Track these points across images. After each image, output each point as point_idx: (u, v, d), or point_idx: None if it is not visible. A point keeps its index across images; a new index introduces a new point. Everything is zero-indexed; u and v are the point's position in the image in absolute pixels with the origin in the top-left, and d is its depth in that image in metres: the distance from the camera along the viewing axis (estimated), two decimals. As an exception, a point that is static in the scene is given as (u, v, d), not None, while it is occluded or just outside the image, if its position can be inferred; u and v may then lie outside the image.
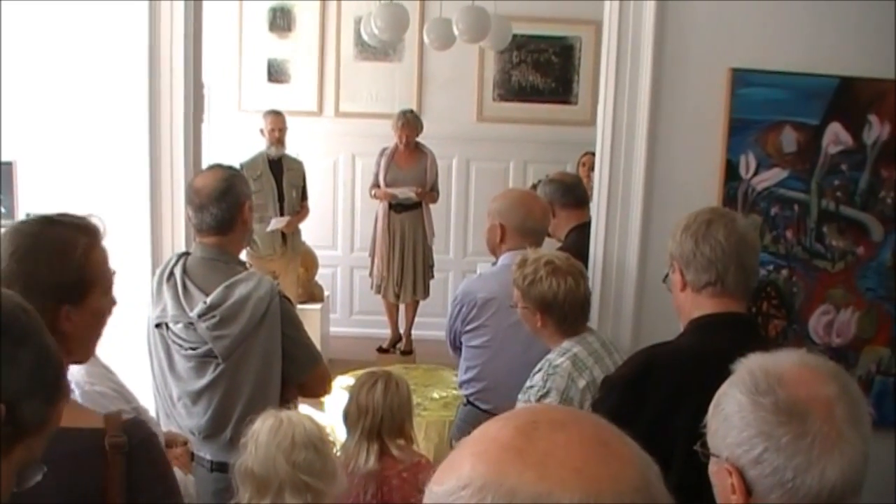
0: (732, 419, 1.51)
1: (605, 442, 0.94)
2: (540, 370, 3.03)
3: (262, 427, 2.55)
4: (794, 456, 1.45)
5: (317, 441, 2.56)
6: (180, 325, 3.05)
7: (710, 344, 2.28)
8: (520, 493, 0.88)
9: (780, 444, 1.46)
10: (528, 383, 3.03)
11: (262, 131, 7.27)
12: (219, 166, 3.29)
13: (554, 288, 3.09)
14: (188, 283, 3.08)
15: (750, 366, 1.54)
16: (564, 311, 3.11)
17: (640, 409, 2.33)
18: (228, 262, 3.16)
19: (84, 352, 2.07)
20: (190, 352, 3.05)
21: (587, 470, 0.89)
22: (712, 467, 1.58)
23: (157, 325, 3.10)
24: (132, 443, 1.88)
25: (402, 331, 8.18)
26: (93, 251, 2.01)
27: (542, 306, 3.12)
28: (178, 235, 3.46)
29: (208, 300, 3.01)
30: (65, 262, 1.95)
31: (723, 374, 1.61)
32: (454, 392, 5.11)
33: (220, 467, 3.05)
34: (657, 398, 2.32)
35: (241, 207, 3.15)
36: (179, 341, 3.06)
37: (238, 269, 3.16)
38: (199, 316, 3.00)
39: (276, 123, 7.27)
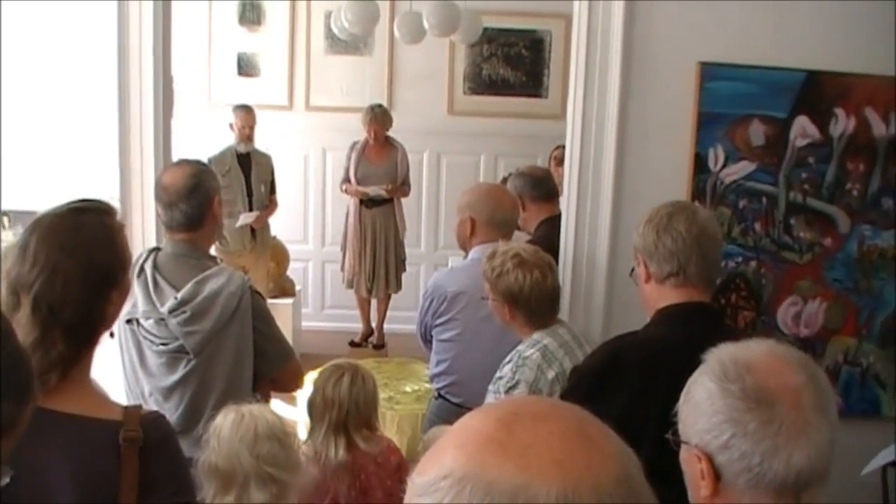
0: (702, 406, 1.54)
1: (586, 434, 0.94)
2: (510, 361, 3.05)
3: (224, 422, 2.54)
4: (761, 441, 1.48)
5: (279, 433, 2.56)
6: (151, 321, 3.04)
7: (675, 333, 2.32)
8: (499, 484, 0.88)
9: (747, 430, 1.49)
10: (497, 374, 3.05)
11: (231, 126, 7.23)
12: (186, 161, 3.27)
13: (521, 281, 3.12)
14: (159, 279, 3.07)
15: (720, 355, 1.57)
16: (531, 304, 3.13)
17: (607, 399, 2.37)
18: (199, 258, 3.15)
19: (110, 329, 2.10)
20: (161, 347, 3.04)
21: (567, 462, 0.90)
22: (683, 454, 1.61)
23: (128, 321, 3.08)
24: (148, 438, 1.88)
25: (374, 325, 8.19)
26: (123, 232, 2.07)
27: (510, 299, 3.15)
28: (148, 231, 3.44)
29: (179, 295, 3.00)
30: (112, 249, 2.01)
31: (687, 362, 1.64)
32: (427, 385, 5.13)
33: (193, 464, 3.04)
34: (624, 387, 2.36)
35: (210, 203, 3.15)
36: (150, 337, 3.05)
37: (209, 264, 3.15)
38: (170, 311, 2.99)
39: (247, 121, 7.23)
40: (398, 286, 7.94)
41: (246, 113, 7.26)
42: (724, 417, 1.51)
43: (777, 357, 1.55)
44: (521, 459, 0.90)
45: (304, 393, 4.12)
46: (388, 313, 8.08)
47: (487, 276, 3.21)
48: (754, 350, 1.57)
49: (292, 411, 4.56)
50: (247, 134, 7.22)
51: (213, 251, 3.44)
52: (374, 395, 3.23)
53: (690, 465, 1.57)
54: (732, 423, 1.50)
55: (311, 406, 3.20)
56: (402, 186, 7.78)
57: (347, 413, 3.13)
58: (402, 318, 7.61)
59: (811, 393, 1.50)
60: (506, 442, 0.92)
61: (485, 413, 0.98)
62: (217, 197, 3.19)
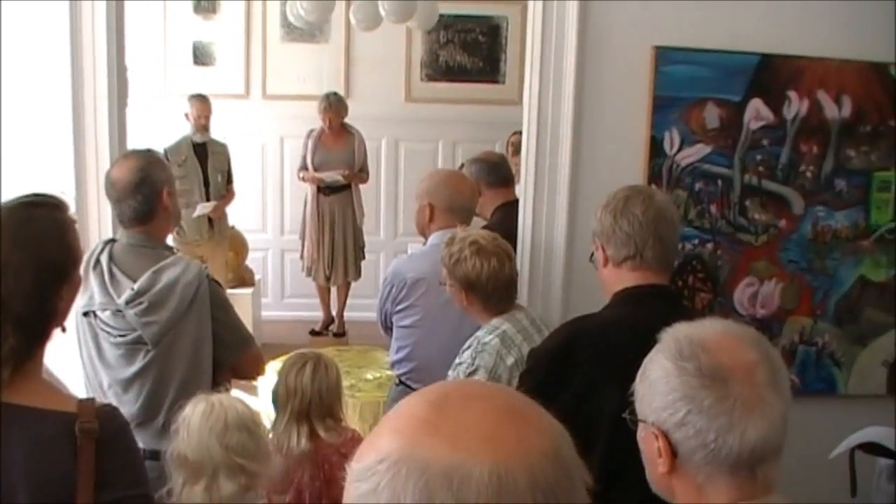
0: (658, 384, 1.56)
1: (514, 411, 0.97)
2: (469, 347, 3.06)
3: (194, 412, 2.54)
4: (716, 418, 1.50)
5: (249, 423, 2.56)
6: (108, 313, 3.01)
7: (632, 315, 2.35)
8: (433, 464, 0.91)
9: (702, 407, 1.51)
10: (457, 360, 3.06)
11: (187, 116, 7.20)
12: (134, 153, 3.23)
13: (478, 268, 3.13)
14: (115, 270, 3.04)
15: (675, 334, 1.59)
16: (488, 291, 3.14)
17: (565, 380, 2.40)
18: (155, 248, 3.13)
19: (62, 325, 2.08)
20: (119, 339, 3.02)
21: (497, 439, 0.92)
22: (640, 433, 1.63)
23: (85, 314, 3.05)
24: (104, 430, 1.87)
25: (334, 313, 8.18)
26: (74, 228, 2.05)
27: (466, 285, 3.16)
28: (105, 222, 3.40)
29: (136, 286, 2.98)
30: (63, 243, 1.99)
31: (643, 342, 1.66)
32: (388, 373, 5.12)
33: (153, 455, 3.02)
34: (581, 368, 2.40)
35: (158, 196, 3.11)
36: (108, 329, 3.03)
37: (165, 254, 3.13)
38: (127, 302, 2.97)
39: (202, 111, 7.21)
40: (357, 274, 7.93)
41: (201, 102, 7.23)
42: (680, 395, 1.53)
43: (730, 335, 1.57)
44: (453, 439, 0.92)
45: (266, 382, 4.13)
46: (349, 301, 8.07)
47: (445, 262, 3.22)
48: (708, 329, 1.59)
49: (254, 402, 4.55)
50: (202, 124, 7.19)
51: (170, 241, 3.42)
52: (337, 384, 3.23)
53: (647, 443, 1.60)
54: (688, 400, 1.52)
55: (276, 395, 3.20)
56: (360, 173, 7.77)
57: (310, 402, 3.13)
58: (362, 306, 7.61)
59: (764, 369, 1.53)
60: (438, 423, 0.94)
61: (418, 397, 1.00)
62: (166, 188, 3.15)
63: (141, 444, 3.02)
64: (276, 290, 8.62)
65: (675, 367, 1.54)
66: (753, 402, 1.50)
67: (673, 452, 1.54)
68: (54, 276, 1.95)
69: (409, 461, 0.92)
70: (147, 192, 3.08)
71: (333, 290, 8.10)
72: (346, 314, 8.13)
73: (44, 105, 3.36)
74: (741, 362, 1.52)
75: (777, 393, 1.52)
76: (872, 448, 2.71)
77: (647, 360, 1.61)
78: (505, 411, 0.97)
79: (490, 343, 3.02)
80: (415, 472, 0.91)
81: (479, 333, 3.09)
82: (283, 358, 3.39)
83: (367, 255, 8.02)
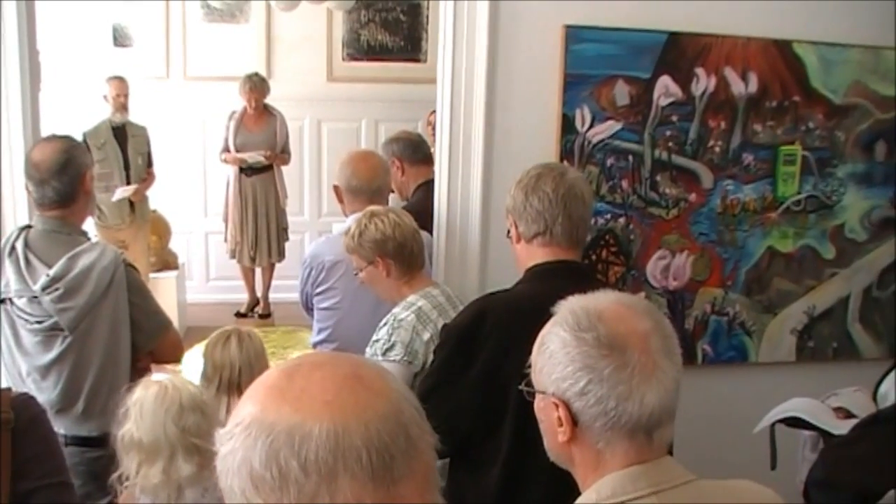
0: (557, 356, 1.60)
1: (357, 377, 1.06)
2: (385, 324, 3.08)
3: (146, 395, 2.53)
4: (616, 385, 1.55)
5: (201, 404, 2.58)
6: (24, 300, 3.00)
7: (542, 290, 2.39)
8: (278, 425, 1.00)
9: (602, 376, 1.55)
10: (374, 337, 3.09)
11: (105, 98, 7.12)
12: (56, 137, 3.21)
13: (381, 227, 3.17)
14: (30, 257, 3.03)
15: (571, 306, 1.63)
16: (399, 242, 3.17)
17: (474, 354, 2.46)
18: (71, 234, 3.11)
19: None
20: (36, 326, 3.01)
21: (336, 401, 1.02)
22: (538, 403, 1.66)
23: (1, 301, 3.03)
24: (20, 419, 1.87)
25: (259, 294, 8.16)
26: None
27: (380, 250, 3.17)
28: (20, 209, 3.37)
29: (51, 272, 2.97)
30: None
31: (549, 316, 1.70)
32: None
33: (75, 441, 3.02)
34: (490, 343, 2.45)
35: (82, 179, 3.11)
36: (24, 316, 3.01)
37: (81, 239, 3.11)
38: (43, 289, 2.96)
39: (121, 89, 7.15)
40: (281, 255, 7.93)
41: (119, 82, 7.18)
42: (580, 365, 1.57)
43: (624, 305, 1.62)
44: (296, 402, 1.02)
45: (189, 366, 4.12)
46: (273, 282, 8.06)
47: (350, 246, 3.24)
48: (602, 300, 1.63)
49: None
50: (122, 102, 7.12)
51: (91, 226, 3.40)
52: (262, 352, 3.23)
53: (547, 413, 1.64)
54: (588, 369, 1.56)
55: (204, 375, 3.20)
56: (282, 154, 7.75)
57: (240, 371, 3.12)
58: (287, 287, 7.55)
59: (657, 338, 1.58)
60: (285, 388, 1.04)
61: (276, 368, 1.11)
62: (89, 172, 3.15)
63: (62, 431, 3.04)
64: (201, 273, 8.56)
65: (574, 338, 1.58)
66: (650, 370, 1.56)
67: (573, 421, 1.59)
68: None
69: (258, 424, 1.02)
70: (72, 173, 3.07)
71: (258, 271, 8.08)
72: (270, 295, 8.12)
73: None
74: (636, 331, 1.57)
75: (670, 359, 1.58)
76: (793, 422, 2.80)
77: (543, 333, 1.65)
78: (346, 377, 1.05)
79: (406, 319, 3.05)
80: (263, 433, 1.01)
81: (395, 310, 3.11)
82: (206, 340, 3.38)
83: (291, 236, 8.01)
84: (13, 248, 3.03)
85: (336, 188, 3.86)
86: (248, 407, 1.05)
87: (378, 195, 3.83)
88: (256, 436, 1.01)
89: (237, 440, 1.03)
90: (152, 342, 3.17)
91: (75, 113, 6.97)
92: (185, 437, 2.50)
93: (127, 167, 7.10)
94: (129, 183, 7.07)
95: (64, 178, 3.05)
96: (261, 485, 1.00)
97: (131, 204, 7.12)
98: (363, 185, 3.80)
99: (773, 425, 2.83)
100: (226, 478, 1.04)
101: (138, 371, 3.07)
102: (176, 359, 3.47)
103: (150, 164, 7.33)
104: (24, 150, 3.29)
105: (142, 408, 2.51)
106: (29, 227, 3.12)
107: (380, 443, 1.00)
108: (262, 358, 3.21)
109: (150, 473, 2.48)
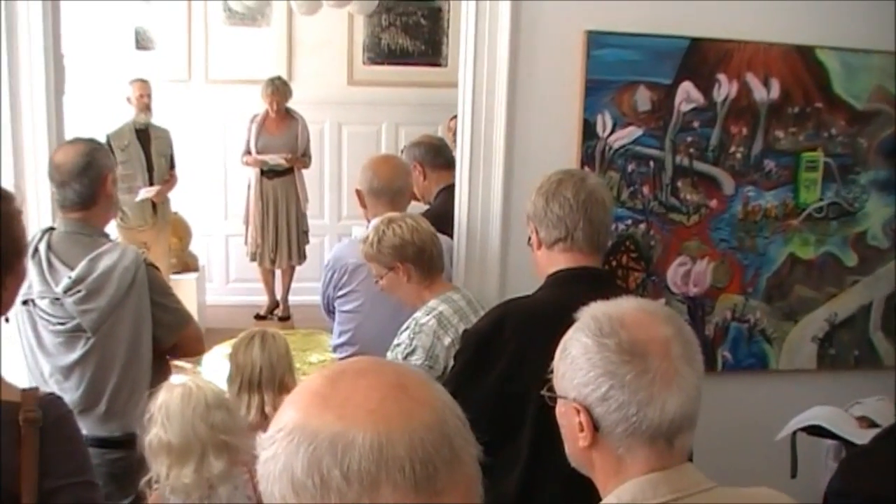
0: (579, 361, 1.60)
1: (401, 386, 1.04)
2: (407, 329, 3.09)
3: (171, 397, 2.54)
4: (637, 392, 1.55)
5: (225, 401, 2.62)
6: (46, 301, 3.02)
7: (562, 296, 2.39)
8: (321, 432, 0.99)
9: (624, 382, 1.55)
10: (395, 341, 3.10)
11: (129, 100, 7.16)
12: (79, 140, 3.24)
13: (399, 232, 3.18)
14: (53, 259, 3.05)
15: (593, 312, 1.64)
16: (419, 246, 3.18)
17: (493, 360, 2.46)
18: (92, 235, 3.13)
19: (5, 315, 2.08)
20: (58, 327, 3.03)
21: (381, 410, 1.00)
22: (560, 409, 1.67)
23: (24, 302, 3.05)
24: (47, 419, 1.89)
25: (279, 297, 8.18)
26: (20, 219, 2.05)
27: (399, 255, 3.18)
28: (43, 211, 3.39)
29: (73, 274, 2.99)
30: (8, 234, 1.98)
31: (570, 322, 1.70)
32: (332, 355, 5.14)
33: (96, 442, 3.04)
34: (509, 349, 2.45)
35: (103, 181, 3.13)
36: (47, 317, 3.03)
37: (102, 241, 3.14)
38: (65, 291, 2.98)
39: (144, 90, 7.19)
40: (301, 257, 7.95)
41: (142, 83, 7.23)
42: (602, 371, 1.57)
43: (645, 312, 1.63)
44: (339, 410, 1.01)
45: (209, 366, 4.14)
46: (293, 285, 8.08)
47: (369, 254, 3.25)
48: (624, 306, 1.64)
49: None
50: (145, 103, 7.16)
51: (113, 227, 3.42)
52: (286, 353, 3.20)
53: (568, 419, 1.64)
54: (610, 375, 1.56)
55: (228, 377, 3.20)
56: (303, 158, 7.77)
57: (261, 371, 3.11)
58: (306, 290, 7.61)
59: (678, 344, 1.58)
60: (329, 396, 1.03)
61: (319, 373, 1.10)
62: (110, 175, 3.18)
63: (84, 431, 3.04)
64: (221, 275, 8.58)
65: (596, 344, 1.58)
66: (671, 376, 1.56)
67: (594, 426, 1.59)
68: None
69: (301, 430, 1.01)
70: (93, 175, 3.09)
71: (278, 274, 8.10)
72: (290, 298, 8.13)
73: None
74: (657, 337, 1.57)
75: (691, 366, 1.58)
76: (815, 430, 2.79)
77: (566, 338, 1.65)
78: (391, 385, 1.04)
79: (427, 324, 3.06)
80: (305, 440, 1.00)
81: (416, 315, 3.12)
82: (229, 342, 3.39)
83: (311, 239, 8.02)
84: (36, 249, 3.06)
85: (358, 192, 3.87)
86: (290, 412, 1.04)
87: (400, 196, 3.84)
88: (299, 443, 1.00)
89: (279, 445, 1.02)
90: (174, 336, 3.19)
91: (99, 116, 7.02)
92: (215, 435, 2.52)
93: (150, 169, 7.14)
94: (151, 184, 7.11)
95: (84, 181, 3.08)
96: (302, 492, 0.99)
97: (153, 205, 7.16)
98: (384, 186, 3.80)
99: (794, 433, 2.82)
100: (266, 483, 1.03)
101: (160, 370, 3.09)
102: (198, 352, 3.50)
103: (172, 165, 7.36)
104: (49, 152, 3.31)
105: (168, 410, 2.53)
106: (52, 229, 3.15)
107: (423, 453, 0.99)
108: (285, 359, 3.21)
109: (182, 474, 2.50)
